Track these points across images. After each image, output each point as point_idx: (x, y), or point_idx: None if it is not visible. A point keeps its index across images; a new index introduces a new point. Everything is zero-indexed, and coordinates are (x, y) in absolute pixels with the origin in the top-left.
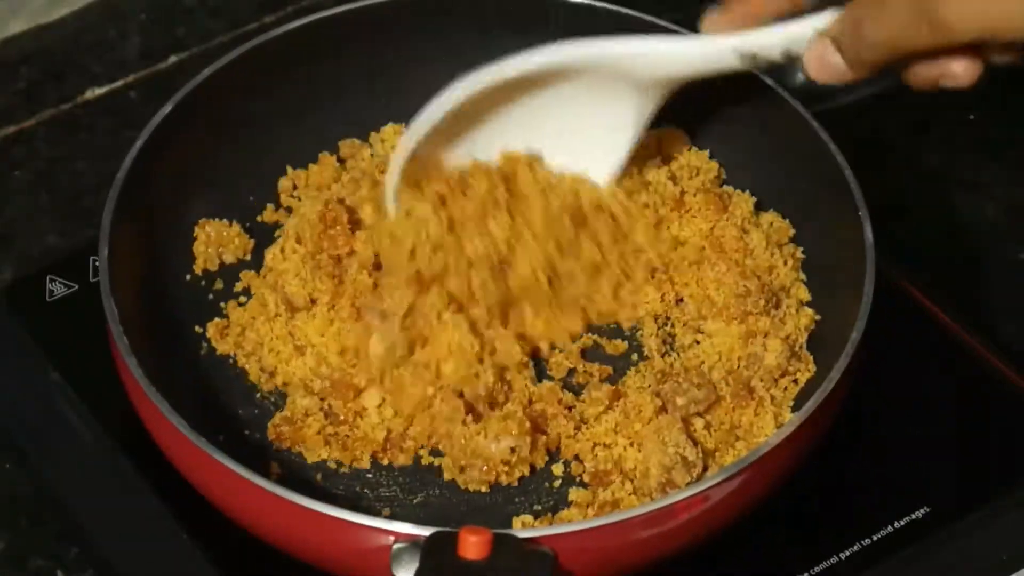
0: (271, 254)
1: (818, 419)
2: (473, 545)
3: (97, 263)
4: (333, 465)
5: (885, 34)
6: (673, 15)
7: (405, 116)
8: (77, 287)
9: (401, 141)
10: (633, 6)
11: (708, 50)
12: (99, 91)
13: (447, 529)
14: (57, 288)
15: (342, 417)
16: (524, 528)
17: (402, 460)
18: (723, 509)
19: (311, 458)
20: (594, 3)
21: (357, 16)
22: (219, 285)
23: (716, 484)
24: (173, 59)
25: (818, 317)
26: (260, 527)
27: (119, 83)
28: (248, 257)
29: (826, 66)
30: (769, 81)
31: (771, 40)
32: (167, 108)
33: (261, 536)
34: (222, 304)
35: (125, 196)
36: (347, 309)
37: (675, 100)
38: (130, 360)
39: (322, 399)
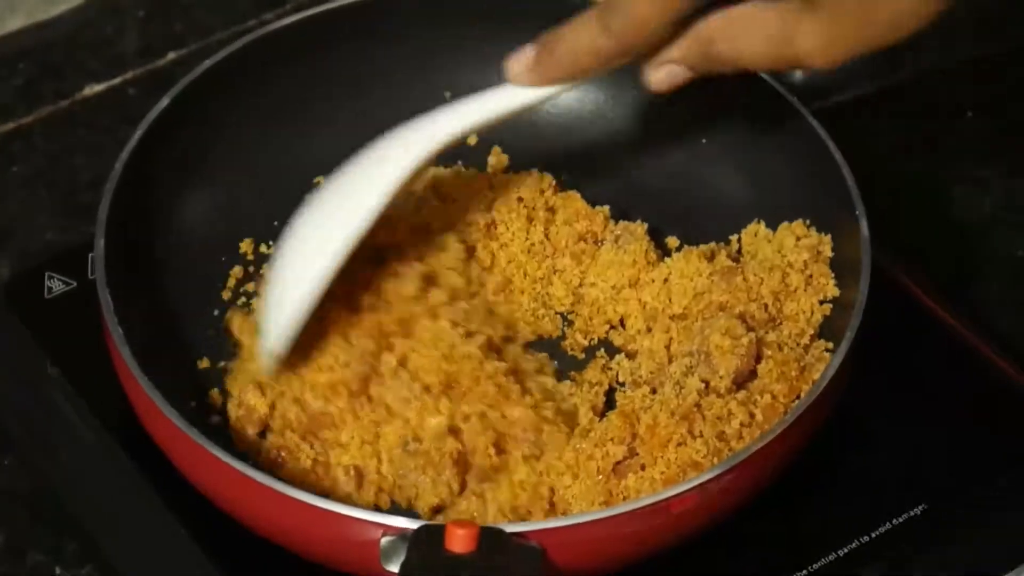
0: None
1: (812, 414)
2: (460, 538)
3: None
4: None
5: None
6: None
7: (403, 114)
8: (75, 284)
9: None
10: None
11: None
12: (97, 88)
13: (434, 523)
14: (55, 285)
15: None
16: (512, 522)
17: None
18: (715, 505)
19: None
20: None
21: (354, 11)
22: (215, 278)
23: (709, 480)
24: (171, 56)
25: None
26: (252, 519)
27: (117, 80)
28: (251, 257)
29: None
30: (766, 77)
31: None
32: (163, 103)
33: (253, 528)
34: (223, 295)
35: (121, 190)
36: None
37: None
38: (124, 350)
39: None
